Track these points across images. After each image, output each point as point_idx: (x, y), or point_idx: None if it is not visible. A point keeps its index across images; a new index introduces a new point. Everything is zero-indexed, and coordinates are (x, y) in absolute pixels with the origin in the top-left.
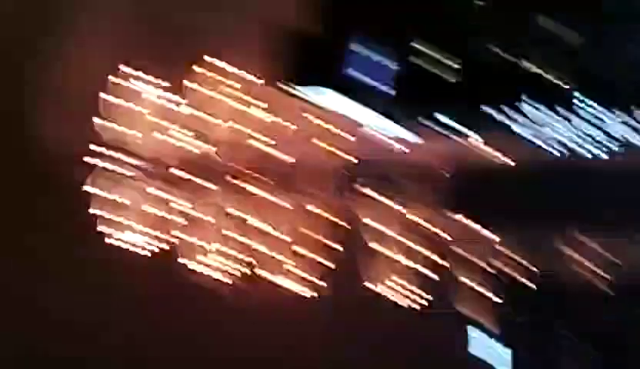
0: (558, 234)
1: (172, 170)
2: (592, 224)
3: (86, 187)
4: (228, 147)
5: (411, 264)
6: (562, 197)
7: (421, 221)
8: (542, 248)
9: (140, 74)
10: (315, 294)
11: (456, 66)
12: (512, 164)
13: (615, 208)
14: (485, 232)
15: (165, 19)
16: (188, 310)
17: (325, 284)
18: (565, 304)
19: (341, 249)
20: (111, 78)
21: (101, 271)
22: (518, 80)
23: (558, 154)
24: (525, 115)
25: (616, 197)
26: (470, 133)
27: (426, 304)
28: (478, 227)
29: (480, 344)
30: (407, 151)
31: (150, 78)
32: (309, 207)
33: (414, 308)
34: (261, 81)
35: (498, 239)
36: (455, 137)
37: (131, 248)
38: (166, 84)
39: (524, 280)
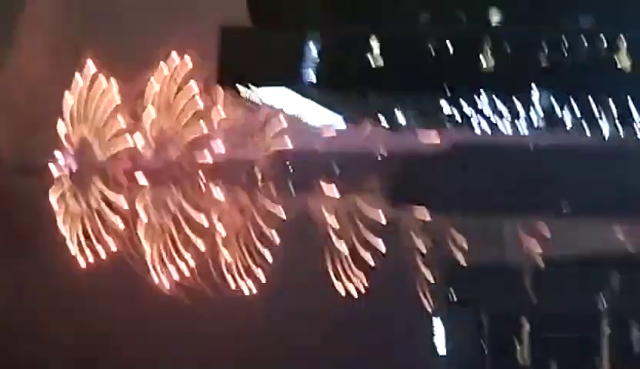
0: (499, 218)
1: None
2: (535, 209)
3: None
4: (187, 147)
5: (350, 249)
6: (504, 183)
7: (361, 208)
8: (482, 232)
9: (96, 73)
10: (258, 286)
11: (382, 53)
12: (448, 148)
13: (560, 193)
14: (422, 215)
15: (119, 23)
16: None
17: (265, 276)
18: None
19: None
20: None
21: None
22: (445, 65)
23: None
24: (453, 99)
25: (559, 183)
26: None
27: (367, 287)
28: (416, 210)
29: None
30: (348, 139)
31: (105, 79)
32: (247, 200)
33: (357, 292)
34: (208, 81)
35: (435, 221)
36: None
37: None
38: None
39: (461, 260)
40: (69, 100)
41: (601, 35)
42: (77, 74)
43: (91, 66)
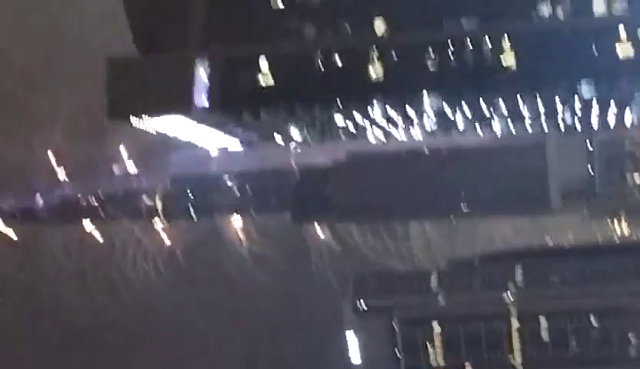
0: (401, 223)
1: None
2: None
3: None
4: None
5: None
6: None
7: (267, 225)
8: (387, 238)
9: None
10: None
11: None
12: (345, 160)
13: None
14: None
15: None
16: None
17: None
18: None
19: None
20: None
21: None
22: (335, 78)
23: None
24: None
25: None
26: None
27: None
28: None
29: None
30: (245, 160)
31: None
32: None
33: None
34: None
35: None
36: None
37: None
38: None
39: (368, 268)
40: None
41: (485, 37)
42: None
43: None
